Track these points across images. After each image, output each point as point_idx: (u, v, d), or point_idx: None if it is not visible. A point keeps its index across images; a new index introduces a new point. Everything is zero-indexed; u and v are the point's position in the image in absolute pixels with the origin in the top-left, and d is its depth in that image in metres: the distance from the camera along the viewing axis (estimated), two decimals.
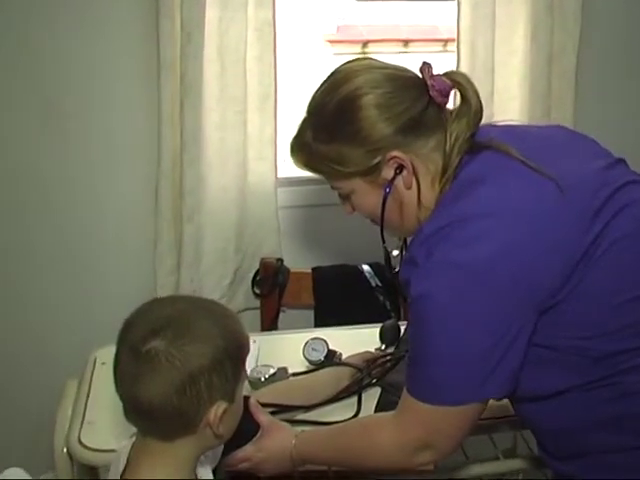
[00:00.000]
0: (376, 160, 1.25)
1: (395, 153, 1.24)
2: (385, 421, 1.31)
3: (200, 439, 1.15)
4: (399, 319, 2.09)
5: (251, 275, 2.44)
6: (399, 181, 1.27)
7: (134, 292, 2.27)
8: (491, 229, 1.16)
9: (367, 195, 1.30)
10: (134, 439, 1.20)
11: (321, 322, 2.39)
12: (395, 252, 1.40)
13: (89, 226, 2.35)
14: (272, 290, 2.40)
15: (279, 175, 2.35)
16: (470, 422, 1.24)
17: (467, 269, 1.15)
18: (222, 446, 1.37)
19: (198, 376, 1.09)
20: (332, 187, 1.34)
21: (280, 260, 2.39)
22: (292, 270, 2.39)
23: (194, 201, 2.26)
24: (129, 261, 2.40)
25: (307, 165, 1.33)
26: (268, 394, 1.58)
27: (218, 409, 1.12)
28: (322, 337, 1.79)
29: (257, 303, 2.46)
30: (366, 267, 2.37)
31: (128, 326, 1.13)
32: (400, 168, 1.26)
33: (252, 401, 1.44)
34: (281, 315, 2.43)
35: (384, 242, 1.37)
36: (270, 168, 2.31)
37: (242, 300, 2.47)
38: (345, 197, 1.34)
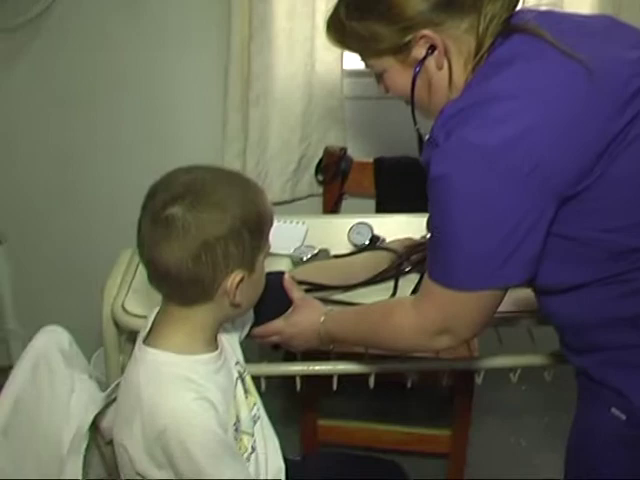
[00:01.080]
0: (407, 38, 1.23)
1: (427, 32, 1.22)
2: (407, 304, 1.34)
3: (218, 307, 1.23)
4: None
5: (315, 163, 2.50)
6: (430, 61, 1.25)
7: None
8: (512, 111, 1.14)
9: (398, 74, 1.29)
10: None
11: (381, 211, 2.44)
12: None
13: (163, 107, 2.45)
14: (335, 178, 2.45)
15: (345, 67, 2.36)
16: (489, 309, 1.24)
17: (484, 150, 1.13)
18: (251, 316, 1.48)
19: (213, 244, 1.15)
20: (366, 65, 1.33)
21: (344, 149, 2.43)
22: (355, 160, 2.43)
23: (261, 87, 2.32)
24: (198, 143, 2.48)
25: (340, 42, 1.33)
26: (305, 272, 1.65)
27: (235, 278, 1.20)
28: (367, 222, 1.86)
29: (320, 190, 2.53)
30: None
31: (151, 193, 1.19)
32: (432, 48, 1.24)
33: (287, 277, 1.53)
34: (344, 203, 2.50)
35: (415, 124, 1.36)
36: (337, 58, 2.33)
37: (306, 186, 2.54)
38: (379, 76, 1.34)
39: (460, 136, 1.15)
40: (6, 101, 2.41)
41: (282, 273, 1.55)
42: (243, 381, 1.37)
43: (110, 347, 1.61)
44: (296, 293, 1.52)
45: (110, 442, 1.35)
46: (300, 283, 1.57)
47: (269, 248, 1.30)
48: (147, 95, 2.43)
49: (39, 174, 2.52)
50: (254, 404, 1.39)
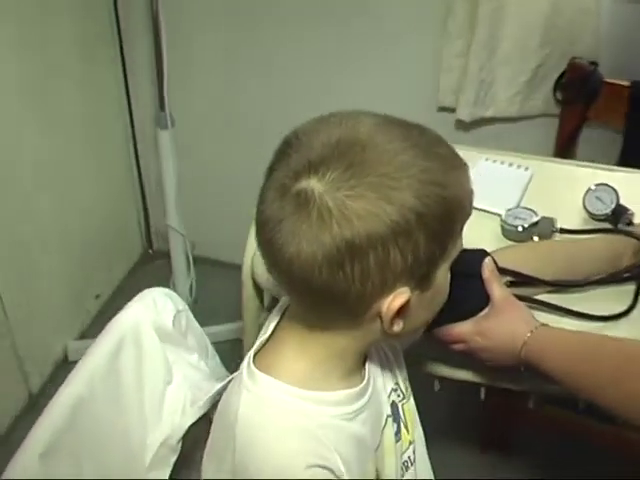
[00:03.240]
0: None
1: None
2: None
3: (367, 333, 0.86)
4: None
5: (556, 76, 2.01)
6: None
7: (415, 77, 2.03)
8: None
9: None
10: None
11: (630, 155, 1.92)
12: None
13: None
14: (577, 98, 1.95)
15: None
16: None
17: None
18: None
19: (364, 247, 0.77)
20: None
21: (594, 64, 1.92)
22: (606, 79, 1.90)
23: None
24: (411, 37, 2.08)
25: None
26: (514, 255, 1.21)
27: (396, 299, 0.81)
28: (612, 185, 1.37)
29: (557, 111, 2.05)
30: None
31: (283, 148, 0.82)
32: None
33: (487, 263, 1.11)
34: (584, 132, 1.99)
35: None
36: None
37: (540, 103, 2.08)
38: None
39: None
40: None
41: (482, 254, 1.13)
42: (398, 415, 1.00)
43: (249, 314, 1.26)
44: (496, 288, 1.10)
45: None
46: (504, 272, 1.14)
47: (460, 247, 0.89)
48: None
49: None
50: (410, 444, 1.02)
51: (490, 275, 1.10)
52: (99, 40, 2.27)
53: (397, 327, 0.84)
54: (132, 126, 2.50)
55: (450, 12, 1.94)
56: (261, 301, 1.34)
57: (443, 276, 0.87)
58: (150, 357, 1.06)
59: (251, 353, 0.90)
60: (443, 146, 0.84)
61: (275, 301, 1.15)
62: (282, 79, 2.25)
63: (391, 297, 0.81)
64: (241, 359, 0.91)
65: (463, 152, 1.40)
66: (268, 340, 0.92)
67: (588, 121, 1.97)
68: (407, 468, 1.01)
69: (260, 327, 0.98)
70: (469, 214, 0.86)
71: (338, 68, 2.16)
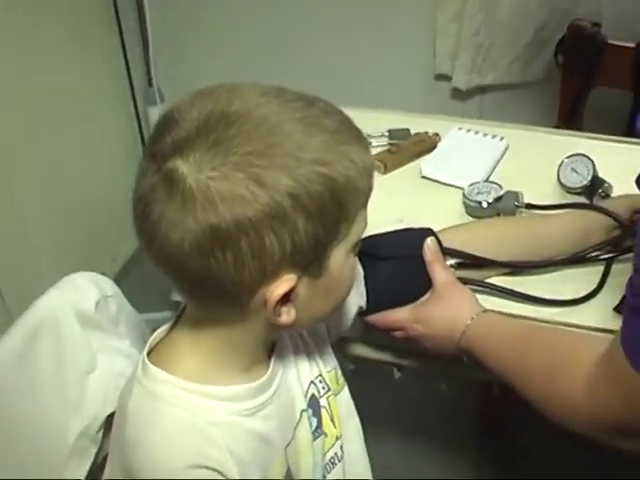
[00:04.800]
0: None
1: None
2: (594, 362, 0.79)
3: (257, 324, 0.78)
4: None
5: (558, 38, 1.86)
6: None
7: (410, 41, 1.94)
8: None
9: None
10: None
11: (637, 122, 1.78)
12: None
13: None
14: (580, 62, 1.81)
15: None
16: None
17: None
18: (362, 294, 1.00)
19: (233, 233, 0.69)
20: None
21: (597, 25, 1.78)
22: (610, 41, 1.77)
23: None
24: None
25: None
26: (464, 233, 1.10)
27: (278, 286, 0.73)
28: (587, 155, 1.25)
29: (559, 76, 1.89)
30: None
31: (159, 124, 0.74)
32: None
33: (429, 244, 1.02)
34: (590, 98, 1.85)
35: None
36: None
37: (540, 68, 1.97)
38: None
39: None
40: None
41: (427, 233, 1.03)
42: (318, 409, 0.92)
43: None
44: (439, 271, 1.01)
45: None
46: (449, 253, 1.05)
47: (363, 229, 0.80)
48: None
49: None
50: (336, 439, 0.93)
51: (432, 257, 1.01)
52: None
53: (286, 317, 0.76)
54: (135, 105, 2.43)
55: None
56: None
57: (341, 262, 0.78)
58: (70, 344, 0.99)
59: (147, 346, 0.84)
60: (333, 118, 0.75)
61: None
62: (278, 55, 2.15)
63: (275, 284, 0.73)
64: None
65: (440, 122, 1.31)
66: (167, 334, 0.85)
67: (592, 86, 1.83)
68: (334, 465, 0.93)
69: None
70: (367, 193, 0.77)
71: (334, 40, 2.06)
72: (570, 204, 1.18)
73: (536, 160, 1.33)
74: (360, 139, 0.77)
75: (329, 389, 0.94)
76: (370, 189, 0.77)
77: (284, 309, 0.75)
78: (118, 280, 1.03)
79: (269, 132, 0.70)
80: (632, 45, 1.75)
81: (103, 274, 1.09)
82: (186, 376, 0.78)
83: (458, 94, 1.98)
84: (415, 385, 1.72)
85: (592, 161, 1.24)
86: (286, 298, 0.74)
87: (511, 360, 0.90)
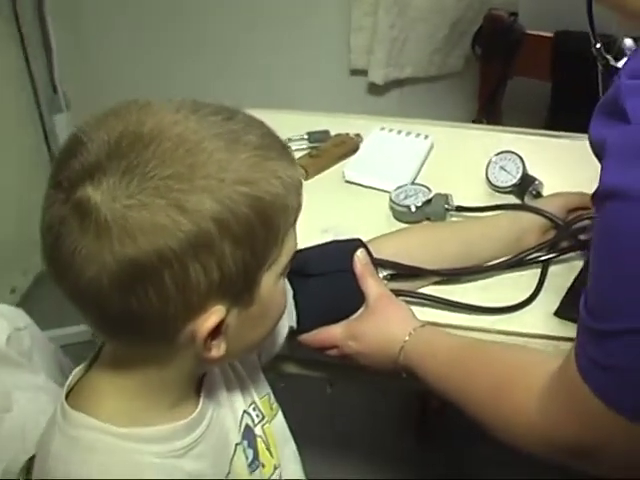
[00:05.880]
0: None
1: None
2: (546, 380, 0.75)
3: (187, 359, 0.71)
4: None
5: (474, 29, 1.84)
6: None
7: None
8: None
9: None
10: None
11: (558, 112, 1.79)
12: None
13: None
14: (497, 53, 1.79)
15: None
16: None
17: None
18: (292, 314, 0.94)
19: (155, 266, 0.62)
20: None
21: (514, 15, 1.76)
22: (528, 31, 1.76)
23: None
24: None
25: None
26: (397, 242, 1.04)
27: (207, 320, 0.66)
28: (515, 152, 1.21)
29: (477, 68, 1.87)
30: (629, 42, 1.65)
31: (66, 147, 0.66)
32: None
33: (359, 256, 0.96)
34: (509, 88, 1.82)
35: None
36: None
37: (459, 60, 1.97)
38: None
39: None
40: None
41: (356, 245, 0.97)
42: (254, 440, 0.85)
43: None
44: (371, 285, 0.95)
45: None
46: (380, 264, 0.98)
47: (293, 250, 0.73)
48: None
49: None
50: (275, 469, 0.88)
51: (363, 270, 0.95)
52: None
53: (217, 351, 0.70)
54: (40, 112, 2.30)
55: None
56: None
57: (271, 286, 0.71)
58: None
59: (65, 388, 0.76)
60: (255, 132, 0.68)
61: None
62: (187, 56, 2.06)
63: (203, 318, 0.66)
64: None
65: (360, 121, 1.24)
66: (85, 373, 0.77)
67: (511, 77, 1.81)
68: None
69: None
70: (296, 211, 0.71)
71: (247, 38, 1.98)
72: (503, 205, 1.13)
73: (463, 159, 1.28)
74: (285, 153, 0.70)
75: (263, 417, 0.88)
76: (299, 206, 0.71)
77: (214, 343, 0.69)
78: (30, 295, 0.96)
79: (188, 152, 0.63)
80: (550, 35, 1.73)
81: (13, 291, 1.01)
82: (108, 418, 0.71)
83: (375, 89, 1.94)
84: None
85: (521, 158, 1.19)
86: (216, 331, 0.67)
87: (453, 379, 0.85)
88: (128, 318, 0.65)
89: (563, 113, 1.78)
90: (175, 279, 0.62)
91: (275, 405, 0.92)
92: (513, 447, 0.77)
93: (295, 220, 0.72)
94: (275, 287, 0.72)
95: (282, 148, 0.70)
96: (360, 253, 0.96)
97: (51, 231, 0.64)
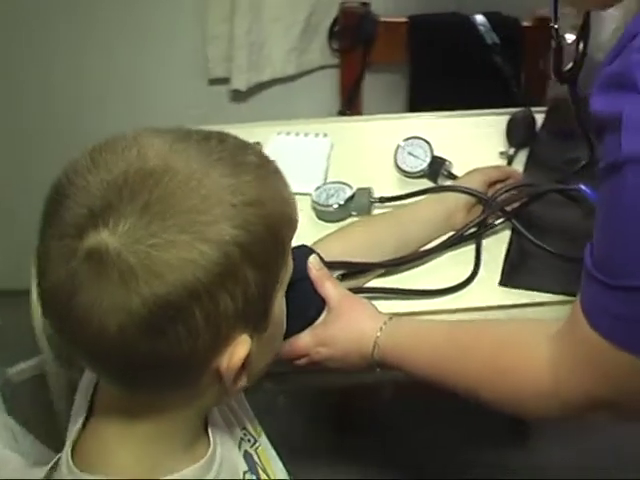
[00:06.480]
0: None
1: None
2: (551, 344, 0.77)
3: (205, 395, 0.70)
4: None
5: (329, 23, 1.87)
6: None
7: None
8: None
9: None
10: None
11: (418, 94, 1.84)
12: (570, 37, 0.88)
13: None
14: (355, 44, 1.82)
15: None
16: None
17: None
18: None
19: (185, 303, 0.60)
20: None
21: (366, 5, 1.78)
22: (382, 19, 1.79)
23: None
24: (174, 9, 1.85)
25: None
26: (336, 243, 1.04)
27: (236, 352, 0.65)
28: (423, 137, 1.24)
29: (336, 60, 1.91)
30: (480, 18, 1.73)
31: (55, 196, 0.62)
32: None
33: (313, 261, 0.95)
34: (367, 79, 1.86)
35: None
36: None
37: (317, 55, 1.94)
38: None
39: None
40: None
41: (306, 251, 0.97)
42: (254, 464, 0.84)
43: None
44: (330, 288, 0.95)
45: None
46: (330, 266, 0.98)
47: (292, 266, 0.74)
48: None
49: None
50: None
51: (319, 275, 0.96)
52: None
53: (242, 383, 0.69)
54: None
55: None
56: None
57: (279, 307, 0.72)
58: None
59: (68, 449, 0.71)
60: (249, 152, 0.68)
61: None
62: (38, 75, 1.92)
63: (229, 351, 0.65)
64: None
65: (249, 130, 1.22)
66: (83, 429, 0.73)
67: (369, 66, 1.84)
68: None
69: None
70: (296, 223, 0.71)
71: (96, 52, 1.88)
72: (428, 189, 1.16)
73: (367, 150, 1.30)
74: (276, 169, 0.71)
75: (255, 440, 0.87)
76: (297, 218, 0.71)
77: (241, 375, 0.67)
78: None
79: (200, 183, 0.61)
80: (404, 20, 1.78)
81: None
82: (121, 473, 0.68)
83: (239, 95, 1.92)
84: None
85: (427, 142, 1.23)
86: (245, 363, 0.66)
87: (448, 359, 0.87)
88: (154, 365, 0.62)
89: (423, 94, 1.84)
90: (205, 312, 0.61)
91: (259, 427, 0.91)
92: (523, 416, 0.80)
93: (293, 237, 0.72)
94: (281, 305, 0.73)
95: (273, 166, 0.70)
96: (313, 259, 0.96)
97: (60, 292, 0.60)
